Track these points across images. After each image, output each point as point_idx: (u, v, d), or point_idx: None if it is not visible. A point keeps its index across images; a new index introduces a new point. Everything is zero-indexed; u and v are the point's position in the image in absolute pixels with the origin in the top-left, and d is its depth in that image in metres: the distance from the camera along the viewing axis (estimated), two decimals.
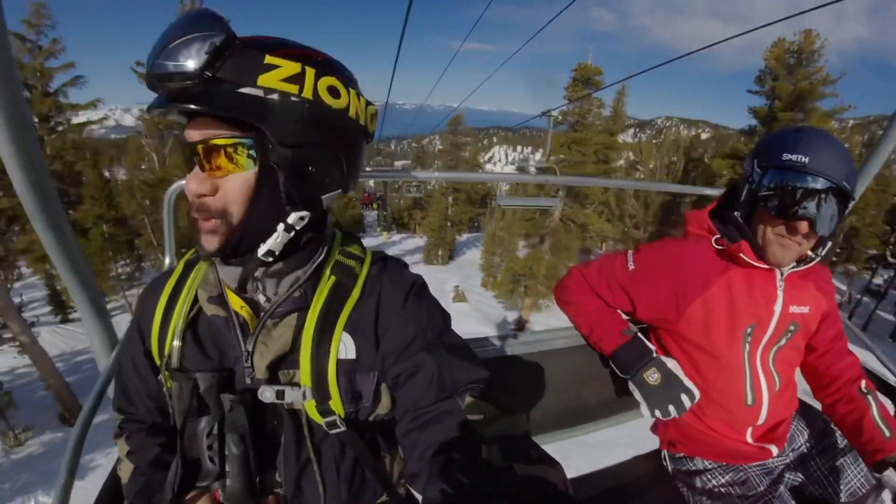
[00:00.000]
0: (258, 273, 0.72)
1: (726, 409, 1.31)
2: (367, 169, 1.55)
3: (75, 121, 16.89)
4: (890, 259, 21.71)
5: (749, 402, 1.29)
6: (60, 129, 16.33)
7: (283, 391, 0.74)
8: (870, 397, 1.27)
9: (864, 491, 1.37)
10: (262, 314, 0.73)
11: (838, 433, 1.47)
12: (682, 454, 1.47)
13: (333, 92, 0.66)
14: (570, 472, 1.34)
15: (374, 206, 29.87)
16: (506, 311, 18.54)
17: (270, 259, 0.69)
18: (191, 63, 0.59)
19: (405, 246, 31.91)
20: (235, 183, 0.65)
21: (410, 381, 0.72)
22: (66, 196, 15.98)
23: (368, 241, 33.07)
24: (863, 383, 1.30)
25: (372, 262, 0.81)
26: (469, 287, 20.64)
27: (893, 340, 22.24)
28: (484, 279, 20.23)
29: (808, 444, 1.49)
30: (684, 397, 1.25)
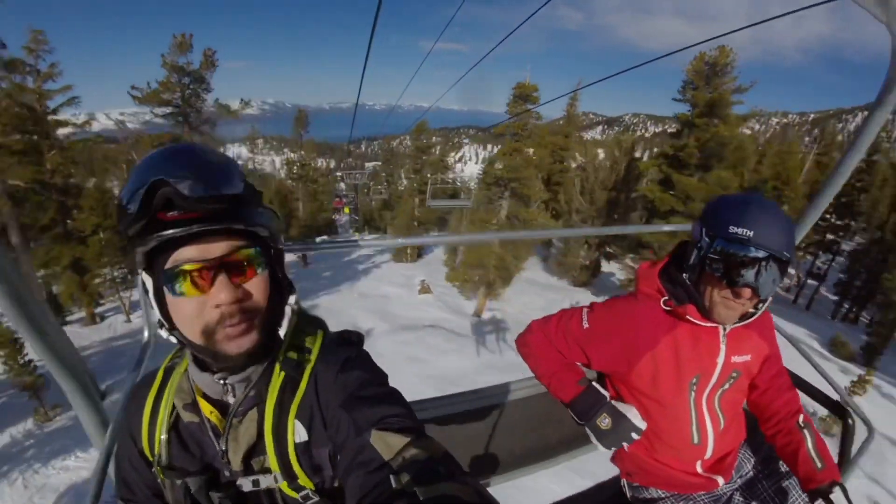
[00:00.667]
0: (230, 379, 0.80)
1: (674, 447, 1.42)
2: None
3: (62, 132, 18.14)
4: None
5: (695, 441, 1.40)
6: (57, 147, 17.65)
7: (259, 479, 0.84)
8: (806, 431, 1.36)
9: None
10: (228, 416, 0.82)
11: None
12: (638, 483, 1.58)
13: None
14: (539, 502, 1.46)
15: (346, 210, 30.67)
16: (466, 301, 20.89)
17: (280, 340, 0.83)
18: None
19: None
20: (260, 284, 0.76)
21: (337, 434, 0.79)
22: (66, 207, 17.39)
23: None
24: (800, 417, 1.39)
25: (319, 350, 0.88)
26: (434, 281, 22.91)
27: (834, 319, 25.18)
28: (447, 274, 22.47)
29: (755, 470, 1.59)
30: (633, 434, 1.35)
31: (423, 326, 17.13)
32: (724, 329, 1.34)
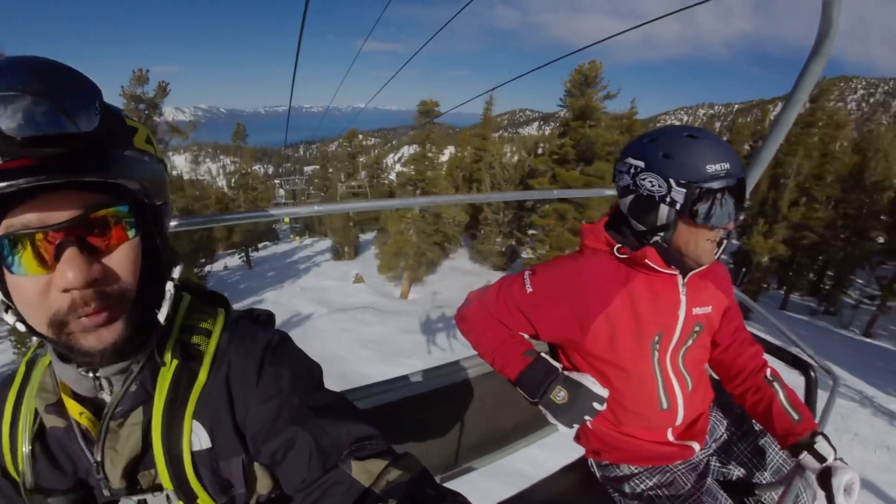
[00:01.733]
0: (101, 371, 0.61)
1: (642, 416, 1.31)
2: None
3: None
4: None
5: (664, 406, 1.29)
6: None
7: (146, 500, 0.66)
8: (776, 384, 1.31)
9: (787, 468, 1.42)
10: (103, 418, 0.63)
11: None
12: (606, 462, 1.45)
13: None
14: (501, 494, 1.46)
15: (286, 220, 32.11)
16: (394, 288, 24.15)
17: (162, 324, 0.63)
18: (86, 123, 0.50)
19: (317, 248, 36.17)
20: (126, 256, 0.58)
21: (289, 456, 0.63)
22: None
23: (282, 247, 36.66)
24: (768, 371, 1.34)
25: (220, 333, 0.70)
26: (367, 273, 25.93)
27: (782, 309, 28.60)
28: (378, 265, 25.70)
29: (728, 432, 1.54)
30: (595, 405, 1.18)
31: (356, 308, 20.08)
32: (683, 279, 1.24)
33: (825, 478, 1.16)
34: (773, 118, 1.87)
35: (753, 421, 1.51)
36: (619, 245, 1.23)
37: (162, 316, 0.63)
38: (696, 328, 1.30)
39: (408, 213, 22.91)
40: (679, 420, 1.33)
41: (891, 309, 21.40)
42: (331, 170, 48.52)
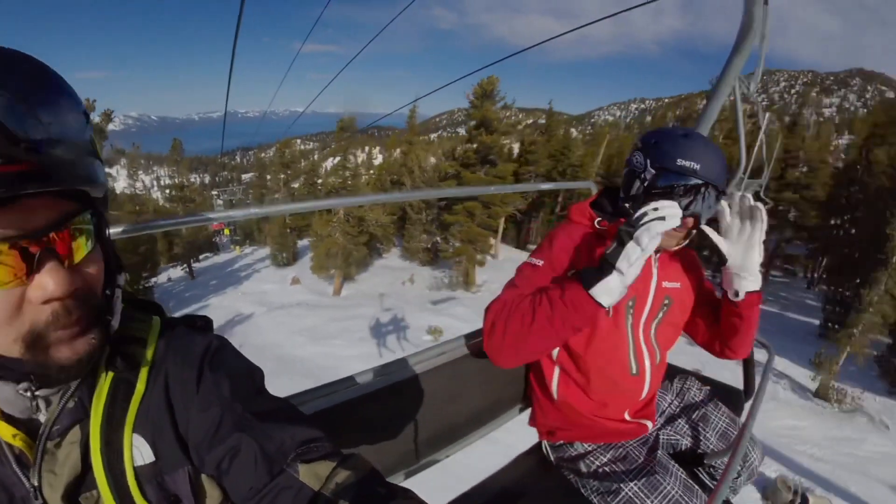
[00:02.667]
0: (40, 391, 0.57)
1: (613, 379, 1.41)
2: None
3: None
4: None
5: (633, 371, 1.41)
6: None
7: None
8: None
9: (732, 431, 1.58)
10: (39, 439, 0.58)
11: (695, 388, 1.74)
12: (561, 442, 1.54)
13: None
14: (460, 487, 1.53)
15: (226, 231, 31.47)
16: (328, 286, 26.85)
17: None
18: (81, 128, 0.51)
19: (256, 256, 37.96)
20: (93, 263, 0.56)
21: (234, 464, 0.61)
22: None
23: (223, 257, 38.13)
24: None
25: (159, 338, 0.68)
26: (304, 275, 28.49)
27: None
28: (311, 267, 28.29)
29: (672, 406, 1.69)
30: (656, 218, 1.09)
31: (292, 305, 22.67)
32: (655, 254, 1.39)
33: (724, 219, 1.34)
34: (700, 110, 1.94)
35: (694, 390, 1.70)
36: (600, 219, 1.37)
37: (116, 323, 0.60)
38: (666, 301, 1.44)
39: (333, 218, 25.68)
40: (644, 391, 1.45)
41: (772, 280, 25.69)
42: (269, 177, 48.96)
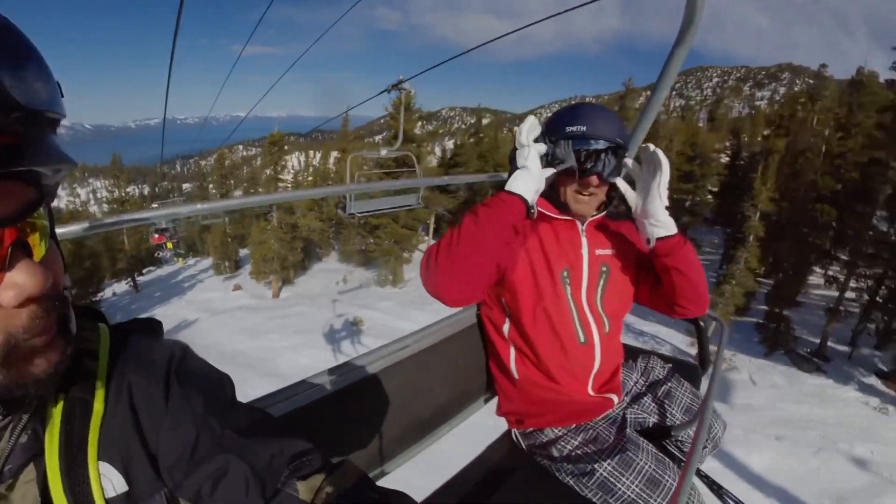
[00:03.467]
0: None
1: (562, 349, 1.45)
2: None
3: None
4: None
5: (582, 339, 1.46)
6: None
7: None
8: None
9: (695, 405, 1.64)
10: None
11: (658, 366, 1.77)
12: (531, 429, 1.56)
13: None
14: (432, 484, 1.51)
15: (169, 245, 30.74)
16: (268, 290, 29.10)
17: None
18: (59, 101, 0.44)
19: (200, 266, 39.18)
20: (55, 259, 0.50)
21: (221, 487, 0.55)
22: None
23: (167, 270, 39.14)
24: None
25: (111, 348, 0.59)
26: (245, 282, 30.61)
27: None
28: (250, 272, 30.31)
29: (637, 385, 1.73)
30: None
31: (234, 309, 24.84)
32: (582, 224, 1.47)
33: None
34: (644, 104, 2.01)
35: (657, 369, 1.75)
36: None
37: (74, 329, 0.51)
38: (604, 268, 1.49)
39: (267, 225, 27.95)
40: (597, 362, 1.48)
41: None
42: (210, 186, 49.46)
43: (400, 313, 21.59)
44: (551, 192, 1.45)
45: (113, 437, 0.55)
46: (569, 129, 1.33)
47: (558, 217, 1.46)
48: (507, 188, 1.27)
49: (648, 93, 2.02)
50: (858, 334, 18.61)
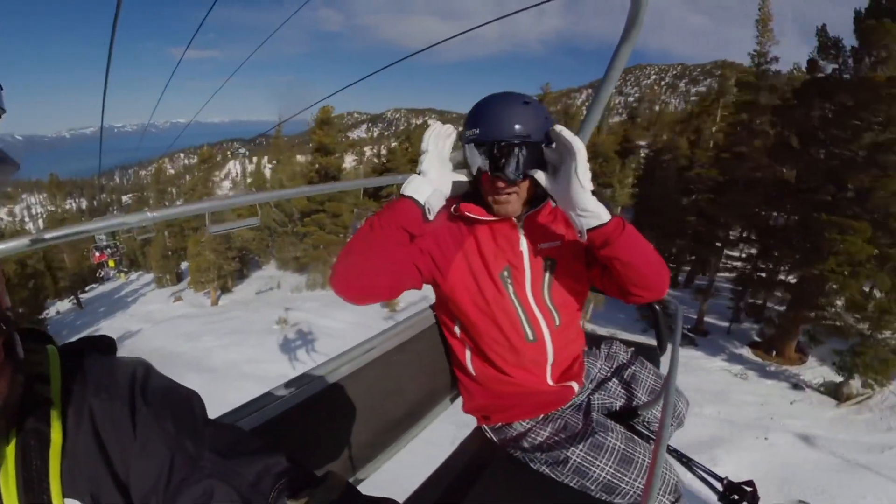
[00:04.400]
0: None
1: (514, 348, 1.44)
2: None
3: None
4: None
5: (530, 338, 1.43)
6: None
7: None
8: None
9: (658, 385, 1.65)
10: None
11: (621, 351, 1.79)
12: (499, 424, 1.55)
13: None
14: (411, 485, 1.50)
15: (111, 263, 32.87)
16: (207, 299, 31.47)
17: None
18: None
19: (143, 280, 40.54)
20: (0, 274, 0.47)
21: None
22: None
23: (109, 286, 40.31)
24: None
25: (62, 371, 0.54)
26: (186, 293, 32.89)
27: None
28: (188, 282, 32.36)
29: (602, 371, 1.73)
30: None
31: (175, 318, 27.08)
32: (519, 221, 1.41)
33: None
34: (589, 101, 2.08)
35: (620, 354, 1.77)
36: (456, 205, 1.38)
37: (21, 353, 0.48)
38: (548, 262, 1.43)
39: (202, 237, 30.14)
40: (550, 355, 1.45)
41: None
42: (151, 198, 49.03)
43: (321, 312, 24.06)
44: (479, 196, 1.41)
45: (78, 468, 0.51)
46: (468, 133, 1.29)
47: (486, 219, 1.39)
48: (401, 191, 1.27)
49: (591, 91, 1.98)
50: (738, 311, 20.50)
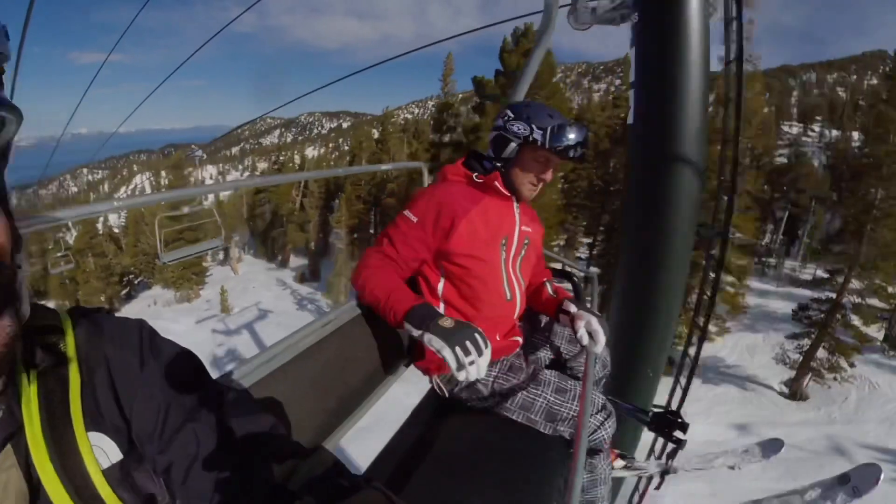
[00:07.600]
0: None
1: (493, 305, 1.65)
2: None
3: None
4: None
5: (508, 297, 1.67)
6: None
7: None
8: (548, 285, 1.82)
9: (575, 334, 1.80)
10: None
11: (542, 315, 2.00)
12: (450, 373, 1.55)
13: None
14: (373, 452, 1.60)
15: None
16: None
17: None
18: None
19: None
20: (3, 227, 0.48)
21: (195, 467, 0.55)
22: None
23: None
24: (547, 281, 1.85)
25: (75, 325, 0.58)
26: (161, 295, 35.33)
27: None
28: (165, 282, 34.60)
29: (528, 332, 1.97)
30: (478, 336, 1.24)
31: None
32: (516, 203, 1.70)
33: (573, 322, 1.60)
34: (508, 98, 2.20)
35: (541, 317, 1.98)
36: (477, 174, 1.64)
37: (26, 312, 0.51)
38: (526, 241, 1.74)
39: (82, 269, 31.96)
40: (517, 313, 1.73)
41: None
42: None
43: (165, 315, 29.48)
44: (507, 175, 1.64)
45: (98, 407, 0.54)
46: (549, 123, 1.54)
47: (504, 192, 1.65)
48: (406, 320, 1.31)
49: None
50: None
